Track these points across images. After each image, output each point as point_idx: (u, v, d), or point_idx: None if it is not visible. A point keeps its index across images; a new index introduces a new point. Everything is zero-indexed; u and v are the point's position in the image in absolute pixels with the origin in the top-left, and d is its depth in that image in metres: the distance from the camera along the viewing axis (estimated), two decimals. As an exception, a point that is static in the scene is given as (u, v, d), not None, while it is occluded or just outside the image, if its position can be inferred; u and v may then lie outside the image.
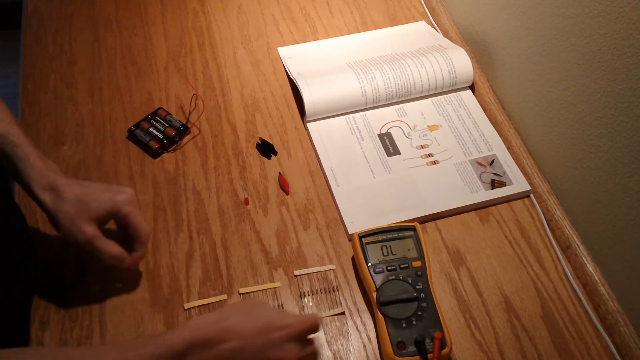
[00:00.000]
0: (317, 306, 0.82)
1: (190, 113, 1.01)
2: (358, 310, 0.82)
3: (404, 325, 0.75)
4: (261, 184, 0.93)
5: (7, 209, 0.81)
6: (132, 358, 0.61)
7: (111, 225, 0.79)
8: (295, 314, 0.70)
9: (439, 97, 1.05)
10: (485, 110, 1.03)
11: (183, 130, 0.98)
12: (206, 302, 0.81)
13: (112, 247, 0.76)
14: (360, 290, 0.83)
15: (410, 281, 0.78)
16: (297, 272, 0.84)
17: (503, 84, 1.02)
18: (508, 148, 0.98)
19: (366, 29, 1.16)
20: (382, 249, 0.81)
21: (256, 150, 0.97)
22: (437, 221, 0.91)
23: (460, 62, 1.04)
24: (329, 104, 1.00)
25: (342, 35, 1.14)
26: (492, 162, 0.96)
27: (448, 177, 0.94)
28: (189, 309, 0.81)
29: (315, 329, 0.69)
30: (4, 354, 0.60)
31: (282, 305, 0.82)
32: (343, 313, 0.81)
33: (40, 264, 0.84)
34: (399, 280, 0.78)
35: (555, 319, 0.82)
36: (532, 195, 0.94)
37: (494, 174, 0.95)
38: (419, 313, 0.76)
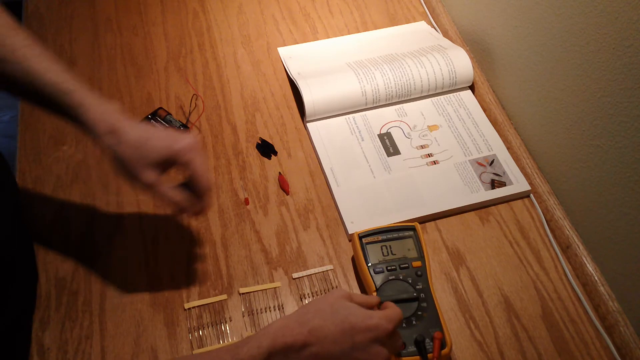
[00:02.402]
0: (317, 306, 0.82)
1: (190, 113, 1.01)
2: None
3: (404, 325, 0.75)
4: (261, 184, 0.93)
5: (10, 213, 0.80)
6: None
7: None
8: (379, 312, 0.66)
9: (439, 97, 1.05)
10: (485, 110, 1.03)
11: (183, 130, 0.98)
12: (206, 302, 0.81)
13: (172, 193, 0.73)
14: (360, 290, 0.83)
15: (410, 281, 0.78)
16: (295, 275, 0.84)
17: (503, 84, 1.02)
18: (508, 148, 0.98)
19: (366, 29, 1.16)
20: (382, 249, 0.81)
21: (256, 150, 0.97)
22: (437, 221, 0.91)
23: (460, 62, 1.04)
24: (329, 104, 1.00)
25: (342, 35, 1.14)
26: (492, 162, 0.96)
27: (448, 177, 0.94)
28: (189, 309, 0.81)
29: (400, 324, 0.67)
30: None
31: (282, 305, 0.82)
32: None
33: (40, 264, 0.84)
34: (399, 280, 0.78)
35: (555, 319, 0.82)
36: (532, 195, 0.94)
37: (494, 174, 0.95)
38: (419, 313, 0.76)
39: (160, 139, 0.73)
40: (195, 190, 0.75)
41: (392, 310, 0.67)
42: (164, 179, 0.73)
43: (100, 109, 0.72)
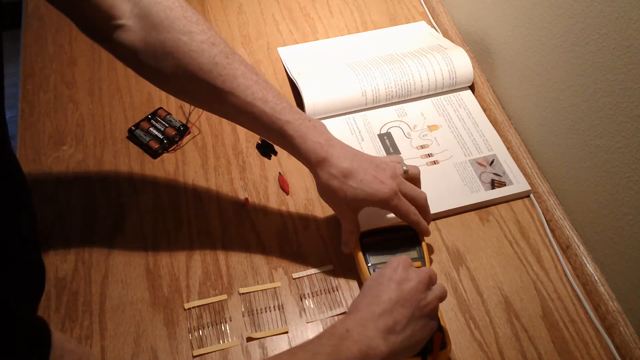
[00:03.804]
0: (317, 307, 0.82)
1: (190, 113, 1.01)
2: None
3: (404, 325, 0.75)
4: (261, 184, 0.93)
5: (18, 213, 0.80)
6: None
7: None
8: (417, 270, 0.72)
9: (439, 97, 1.05)
10: (485, 110, 1.03)
11: (183, 130, 0.98)
12: (206, 302, 0.81)
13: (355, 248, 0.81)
14: (360, 290, 0.83)
15: (410, 281, 0.78)
16: (295, 275, 0.84)
17: (503, 84, 1.02)
18: (508, 148, 0.98)
19: (366, 29, 1.16)
20: (382, 249, 0.81)
21: (256, 150, 0.97)
22: (437, 221, 0.91)
23: (460, 62, 1.04)
24: (329, 104, 1.00)
25: (342, 35, 1.14)
26: (492, 162, 0.96)
27: (448, 177, 0.94)
28: (189, 309, 0.81)
29: (435, 278, 0.72)
30: None
31: (282, 305, 0.82)
32: (345, 313, 0.81)
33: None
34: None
35: (555, 319, 0.82)
36: (532, 195, 0.94)
37: (494, 174, 0.95)
38: (419, 313, 0.76)
39: (369, 181, 0.76)
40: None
41: (426, 269, 0.73)
42: (358, 228, 0.81)
43: (313, 140, 0.76)
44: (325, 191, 0.78)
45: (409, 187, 0.79)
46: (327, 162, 0.76)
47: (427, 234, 0.82)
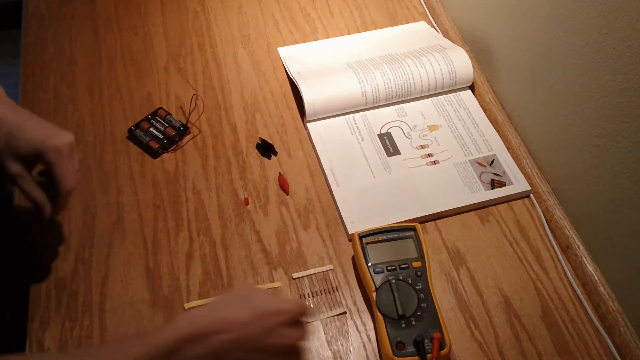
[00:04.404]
0: (317, 306, 0.82)
1: (190, 113, 1.01)
2: (358, 310, 0.82)
3: (404, 325, 0.75)
4: (261, 184, 0.93)
5: (7, 216, 0.80)
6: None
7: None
8: (286, 298, 0.70)
9: (439, 97, 1.05)
10: (485, 110, 1.03)
11: (183, 130, 0.98)
12: (206, 302, 0.81)
13: (34, 190, 0.74)
14: (360, 290, 0.83)
15: (410, 281, 0.78)
16: (295, 275, 0.84)
17: (503, 84, 1.02)
18: (508, 148, 0.98)
19: (366, 29, 1.16)
20: (382, 249, 0.81)
21: (256, 150, 0.97)
22: (437, 221, 0.91)
23: (460, 62, 1.04)
24: (329, 104, 1.00)
25: (342, 35, 1.14)
26: (492, 162, 0.96)
27: (448, 177, 0.94)
28: (189, 309, 0.81)
29: (307, 313, 0.67)
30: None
31: (282, 305, 0.81)
32: (345, 313, 0.81)
33: (40, 264, 0.84)
34: (398, 280, 0.78)
35: (555, 319, 0.82)
36: (532, 195, 0.94)
37: (494, 174, 0.95)
38: (419, 313, 0.76)
39: (34, 131, 0.73)
40: (56, 190, 0.75)
41: (298, 299, 0.70)
42: (26, 174, 0.74)
43: None
44: None
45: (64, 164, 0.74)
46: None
47: (51, 218, 0.77)
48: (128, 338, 0.63)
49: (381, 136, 0.99)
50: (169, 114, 1.00)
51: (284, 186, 0.93)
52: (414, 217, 0.89)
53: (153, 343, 0.59)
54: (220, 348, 0.61)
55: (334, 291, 0.83)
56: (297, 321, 0.66)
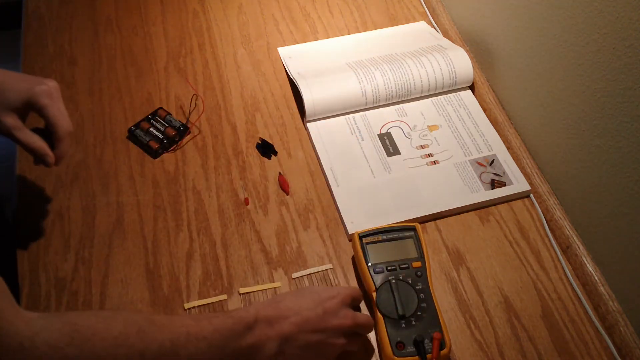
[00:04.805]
0: (317, 306, 0.82)
1: (190, 113, 1.01)
2: (358, 310, 0.82)
3: (404, 325, 0.75)
4: (261, 184, 0.93)
5: None
6: (206, 325, 0.64)
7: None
8: (340, 286, 0.78)
9: (439, 97, 1.05)
10: (485, 110, 1.03)
11: (183, 130, 0.98)
12: (206, 302, 0.81)
13: (32, 139, 0.73)
14: (360, 290, 0.83)
15: (410, 281, 0.78)
16: (295, 275, 0.84)
17: (503, 84, 1.02)
18: (508, 148, 0.98)
19: (366, 29, 1.16)
20: (382, 249, 0.81)
21: (256, 150, 0.97)
22: (437, 221, 0.91)
23: (460, 62, 1.04)
24: (329, 104, 1.00)
25: (342, 35, 1.14)
26: (492, 162, 0.96)
27: (448, 177, 0.94)
28: (189, 309, 0.81)
29: (360, 298, 0.77)
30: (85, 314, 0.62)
31: (282, 305, 0.82)
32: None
33: (40, 264, 0.84)
34: (398, 280, 0.78)
35: (555, 319, 0.82)
36: (532, 195, 0.94)
37: (494, 174, 0.95)
38: (419, 313, 0.76)
39: (20, 82, 0.73)
40: (53, 137, 0.75)
41: (352, 286, 0.78)
42: (22, 125, 0.73)
43: None
44: None
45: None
46: None
47: (54, 164, 0.77)
48: (211, 312, 0.73)
49: (381, 136, 0.99)
50: (169, 114, 1.00)
51: (284, 186, 0.93)
52: (414, 217, 0.89)
53: (236, 315, 0.67)
54: (289, 331, 0.68)
55: (334, 291, 0.83)
56: (352, 304, 0.75)
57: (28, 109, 0.74)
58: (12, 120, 0.72)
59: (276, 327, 0.68)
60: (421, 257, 0.81)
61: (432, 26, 1.16)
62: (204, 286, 0.83)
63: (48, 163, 0.76)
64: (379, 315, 0.76)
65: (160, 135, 0.97)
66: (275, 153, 0.97)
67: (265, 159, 0.96)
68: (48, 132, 0.76)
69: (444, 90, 1.05)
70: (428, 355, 0.73)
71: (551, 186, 0.93)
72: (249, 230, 0.88)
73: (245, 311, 0.68)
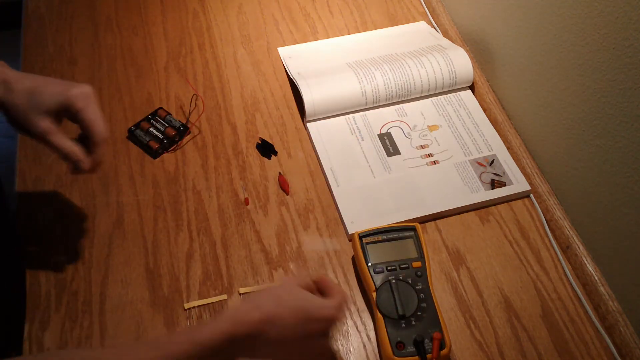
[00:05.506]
0: (317, 306, 0.82)
1: (190, 113, 1.01)
2: (358, 310, 0.82)
3: (404, 325, 0.75)
4: (261, 184, 0.93)
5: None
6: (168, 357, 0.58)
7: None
8: (333, 302, 0.67)
9: (439, 97, 1.05)
10: (485, 110, 1.03)
11: (183, 130, 0.98)
12: (206, 302, 0.81)
13: (67, 143, 0.72)
14: (360, 290, 0.83)
15: (410, 281, 0.78)
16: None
17: (503, 84, 1.02)
18: (508, 148, 0.98)
19: (366, 29, 1.16)
20: (382, 249, 0.81)
21: (256, 150, 0.97)
22: (437, 221, 0.91)
23: (460, 62, 1.04)
24: (329, 104, 1.00)
25: (342, 35, 1.14)
26: (492, 162, 0.96)
27: (448, 177, 0.94)
28: (189, 309, 0.81)
29: (343, 317, 0.69)
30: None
31: (282, 305, 0.81)
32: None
33: (40, 264, 0.84)
34: (398, 280, 0.78)
35: (555, 319, 0.82)
36: (532, 195, 0.94)
37: (494, 174, 0.95)
38: (419, 313, 0.76)
39: (55, 85, 0.72)
40: (89, 142, 0.73)
41: (342, 298, 0.68)
42: (56, 129, 0.72)
43: None
44: (16, 107, 0.71)
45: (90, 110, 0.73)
46: (11, 80, 0.70)
47: (91, 171, 0.75)
48: (177, 333, 0.64)
49: (381, 136, 0.99)
50: (169, 114, 1.00)
51: (284, 186, 0.93)
52: (414, 217, 0.89)
53: (210, 336, 0.60)
54: (265, 346, 0.63)
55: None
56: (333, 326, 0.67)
57: (63, 113, 0.72)
58: (46, 124, 0.70)
59: (252, 343, 0.63)
60: (421, 257, 0.81)
61: (432, 26, 1.16)
62: (204, 286, 0.83)
63: (82, 169, 0.74)
64: (379, 315, 0.76)
65: (160, 135, 0.97)
66: (275, 153, 0.97)
67: (265, 159, 0.96)
68: (83, 138, 0.75)
69: (444, 90, 1.05)
70: (428, 355, 0.73)
71: (551, 186, 0.93)
72: (249, 230, 0.88)
73: (220, 330, 0.61)
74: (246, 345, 0.62)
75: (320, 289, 0.71)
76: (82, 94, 0.72)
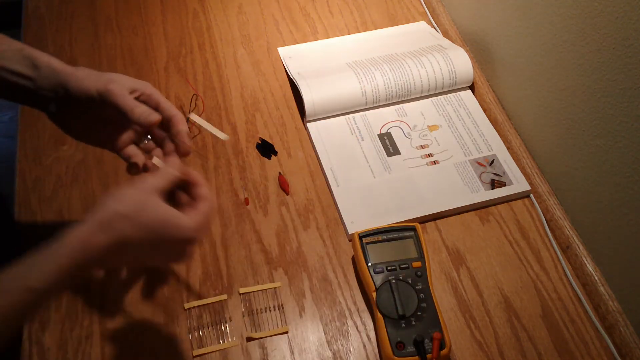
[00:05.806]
0: (317, 306, 0.82)
1: (190, 112, 1.01)
2: (358, 310, 0.82)
3: (404, 325, 0.75)
4: (261, 184, 0.93)
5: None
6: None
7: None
8: (193, 221, 0.62)
9: (439, 97, 1.05)
10: (485, 110, 1.03)
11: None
12: (206, 302, 0.81)
13: (137, 105, 0.67)
14: (360, 290, 0.83)
15: (410, 281, 0.78)
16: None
17: (503, 84, 1.02)
18: (508, 148, 0.98)
19: (366, 29, 1.16)
20: (382, 249, 0.81)
21: (256, 150, 0.97)
22: (437, 221, 0.91)
23: (460, 62, 1.04)
24: (329, 104, 1.00)
25: (342, 35, 1.14)
26: (492, 162, 0.96)
27: (448, 177, 0.94)
28: (189, 309, 0.81)
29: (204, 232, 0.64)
30: None
31: (282, 305, 0.81)
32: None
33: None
34: (398, 280, 0.78)
35: (555, 319, 0.82)
36: (532, 195, 0.94)
37: (494, 174, 0.95)
38: (419, 313, 0.76)
39: (122, 76, 0.70)
40: (170, 124, 0.71)
41: (207, 209, 0.63)
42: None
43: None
44: (77, 73, 0.68)
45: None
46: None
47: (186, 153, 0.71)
48: (5, 273, 0.56)
49: (381, 136, 0.99)
50: (169, 114, 1.00)
51: (284, 186, 0.93)
52: (414, 217, 0.89)
53: (46, 279, 0.56)
54: (107, 262, 0.60)
55: (333, 291, 0.83)
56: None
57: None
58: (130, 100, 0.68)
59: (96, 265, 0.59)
60: (421, 257, 0.81)
61: (432, 26, 1.16)
62: (204, 286, 0.83)
63: (186, 151, 0.70)
64: (379, 315, 0.76)
65: (160, 135, 0.97)
66: (275, 153, 0.97)
67: (265, 159, 0.96)
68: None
69: (444, 90, 1.05)
70: (428, 355, 0.73)
71: (551, 186, 0.93)
72: (249, 230, 0.88)
73: (57, 269, 0.56)
74: (94, 265, 0.59)
75: (186, 187, 0.66)
76: (149, 84, 0.71)
